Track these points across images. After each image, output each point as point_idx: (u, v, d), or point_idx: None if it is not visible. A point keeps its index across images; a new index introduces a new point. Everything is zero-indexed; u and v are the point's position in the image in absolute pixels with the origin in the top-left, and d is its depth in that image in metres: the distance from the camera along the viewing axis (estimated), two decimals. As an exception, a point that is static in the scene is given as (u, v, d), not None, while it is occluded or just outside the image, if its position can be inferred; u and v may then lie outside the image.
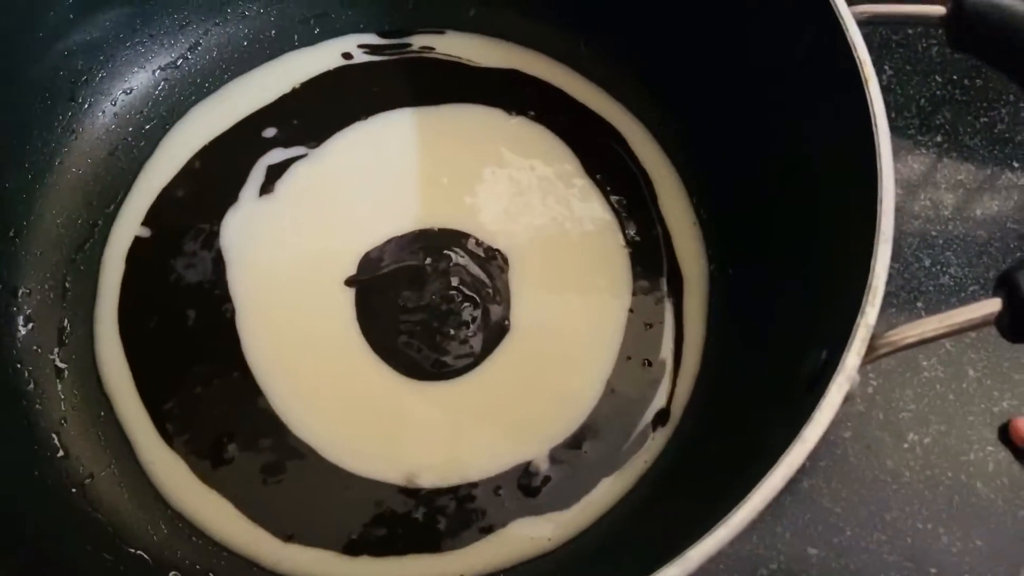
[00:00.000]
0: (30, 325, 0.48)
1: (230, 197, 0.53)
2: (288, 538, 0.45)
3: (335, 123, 0.55)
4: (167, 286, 0.50)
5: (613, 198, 0.53)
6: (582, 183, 0.54)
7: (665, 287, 0.51)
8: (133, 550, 0.43)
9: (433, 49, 0.58)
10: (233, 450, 0.47)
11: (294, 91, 0.56)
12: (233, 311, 0.50)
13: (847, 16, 0.40)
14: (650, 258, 0.52)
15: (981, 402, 0.52)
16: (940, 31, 0.63)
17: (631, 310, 0.51)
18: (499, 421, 0.48)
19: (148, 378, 0.48)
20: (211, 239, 0.52)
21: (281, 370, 0.49)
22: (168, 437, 0.47)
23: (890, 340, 0.33)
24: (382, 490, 0.46)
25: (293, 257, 0.52)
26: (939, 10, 0.41)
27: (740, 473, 0.38)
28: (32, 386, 0.47)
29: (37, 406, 0.46)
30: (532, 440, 0.47)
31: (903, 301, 0.54)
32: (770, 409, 0.40)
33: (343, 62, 0.57)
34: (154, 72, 0.55)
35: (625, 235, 0.53)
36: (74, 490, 0.44)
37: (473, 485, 0.46)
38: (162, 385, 0.48)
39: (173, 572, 0.43)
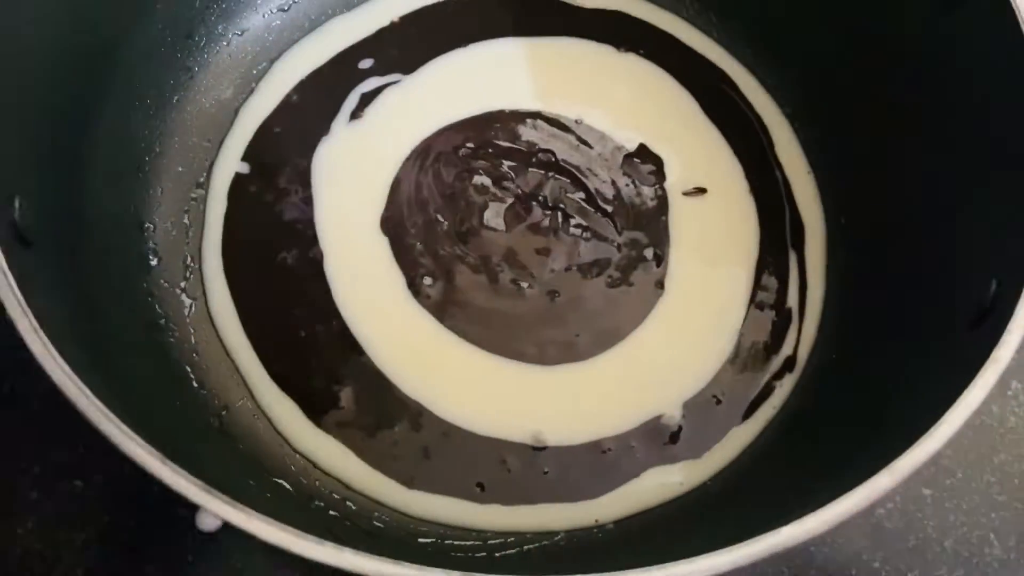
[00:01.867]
0: (157, 259, 0.48)
1: (323, 129, 0.52)
2: (411, 483, 0.44)
3: (433, 51, 0.54)
4: (265, 224, 0.49)
5: (733, 142, 0.52)
6: (703, 124, 0.52)
7: (789, 234, 0.50)
8: (275, 479, 0.43)
9: (536, -11, 0.56)
10: (345, 398, 0.45)
11: (392, 24, 0.55)
12: (322, 255, 0.48)
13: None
14: (773, 205, 0.51)
15: (1081, 351, 0.52)
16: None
17: (760, 258, 0.50)
18: (632, 380, 0.47)
19: (253, 319, 0.47)
20: (304, 175, 0.50)
21: (377, 324, 0.46)
22: (278, 379, 0.46)
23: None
24: (506, 448, 0.45)
25: (379, 192, 0.50)
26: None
27: (879, 412, 0.39)
28: (164, 320, 0.47)
29: (171, 339, 0.46)
30: (665, 394, 0.46)
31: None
32: (915, 349, 0.40)
33: (444, -1, 0.56)
34: (265, 15, 0.55)
35: (749, 181, 0.51)
36: (212, 420, 0.45)
37: (605, 440, 0.45)
38: (267, 327, 0.47)
39: (316, 502, 0.43)
